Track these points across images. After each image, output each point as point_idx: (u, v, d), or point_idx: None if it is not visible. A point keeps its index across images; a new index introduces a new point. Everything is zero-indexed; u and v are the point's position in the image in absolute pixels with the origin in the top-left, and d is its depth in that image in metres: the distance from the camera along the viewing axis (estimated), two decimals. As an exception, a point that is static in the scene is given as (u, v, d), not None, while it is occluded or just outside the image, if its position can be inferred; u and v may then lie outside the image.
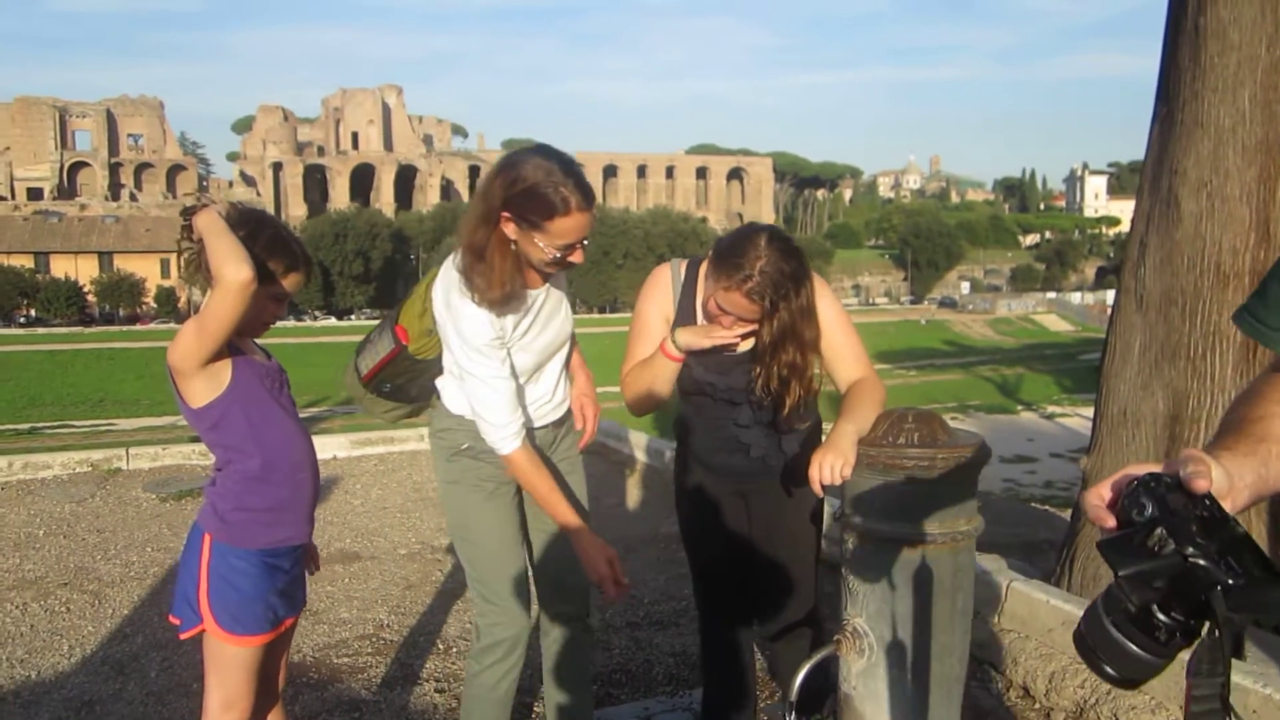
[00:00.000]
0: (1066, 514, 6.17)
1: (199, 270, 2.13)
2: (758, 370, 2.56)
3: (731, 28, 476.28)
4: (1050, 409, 38.54)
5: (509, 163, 2.29)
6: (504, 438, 2.37)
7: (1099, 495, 1.01)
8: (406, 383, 2.58)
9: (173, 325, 60.21)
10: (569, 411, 2.69)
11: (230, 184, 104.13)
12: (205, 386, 2.18)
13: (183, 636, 2.30)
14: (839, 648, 2.31)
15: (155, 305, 72.66)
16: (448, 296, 2.35)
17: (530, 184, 2.22)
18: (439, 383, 2.58)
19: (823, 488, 2.33)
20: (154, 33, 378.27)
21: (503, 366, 2.36)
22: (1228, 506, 1.01)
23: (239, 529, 2.25)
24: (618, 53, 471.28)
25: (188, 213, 2.19)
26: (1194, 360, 3.50)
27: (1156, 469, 0.98)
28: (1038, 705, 3.27)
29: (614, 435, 7.63)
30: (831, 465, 2.25)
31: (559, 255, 2.29)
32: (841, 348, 2.60)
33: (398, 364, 2.52)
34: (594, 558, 2.42)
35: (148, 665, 3.84)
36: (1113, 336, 3.79)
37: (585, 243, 2.33)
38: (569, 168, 2.27)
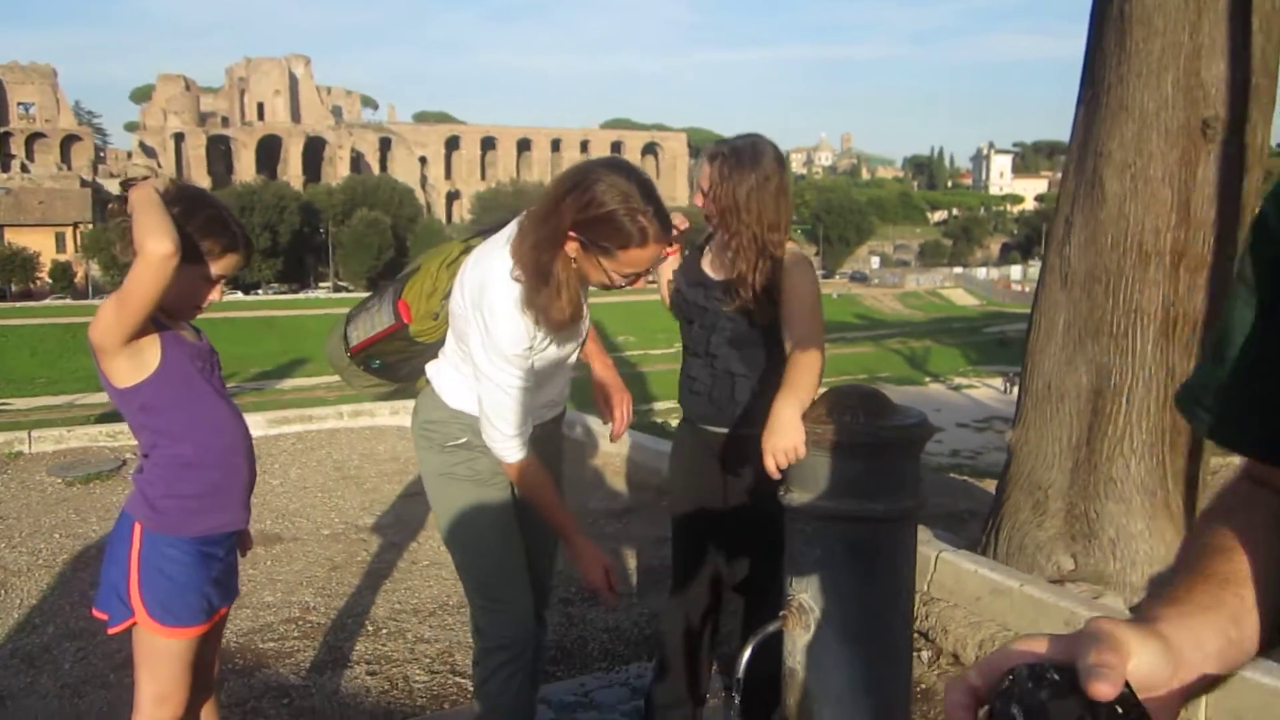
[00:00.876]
0: (983, 484, 6.33)
1: (128, 244, 2.02)
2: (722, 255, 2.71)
3: (652, 2, 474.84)
4: (957, 380, 39.52)
5: (580, 180, 2.09)
6: (512, 447, 2.26)
7: (964, 690, 0.66)
8: (398, 362, 2.45)
9: (69, 301, 58.03)
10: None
11: (129, 155, 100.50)
12: (130, 366, 2.08)
13: (112, 631, 2.20)
14: (784, 623, 2.32)
15: (50, 281, 69.85)
16: (488, 297, 2.15)
17: (606, 211, 2.05)
18: (433, 369, 2.43)
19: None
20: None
21: (526, 377, 2.23)
22: (1172, 692, 0.68)
23: (171, 516, 2.16)
24: (540, 27, 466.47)
25: (126, 185, 2.09)
26: (1116, 337, 3.59)
27: (1043, 652, 0.65)
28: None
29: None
30: (785, 451, 2.28)
31: (623, 283, 2.18)
32: (794, 314, 2.63)
33: (393, 341, 2.38)
34: (591, 565, 2.36)
35: (60, 656, 3.69)
36: (1037, 313, 3.86)
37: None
38: (648, 191, 2.11)
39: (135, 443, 2.25)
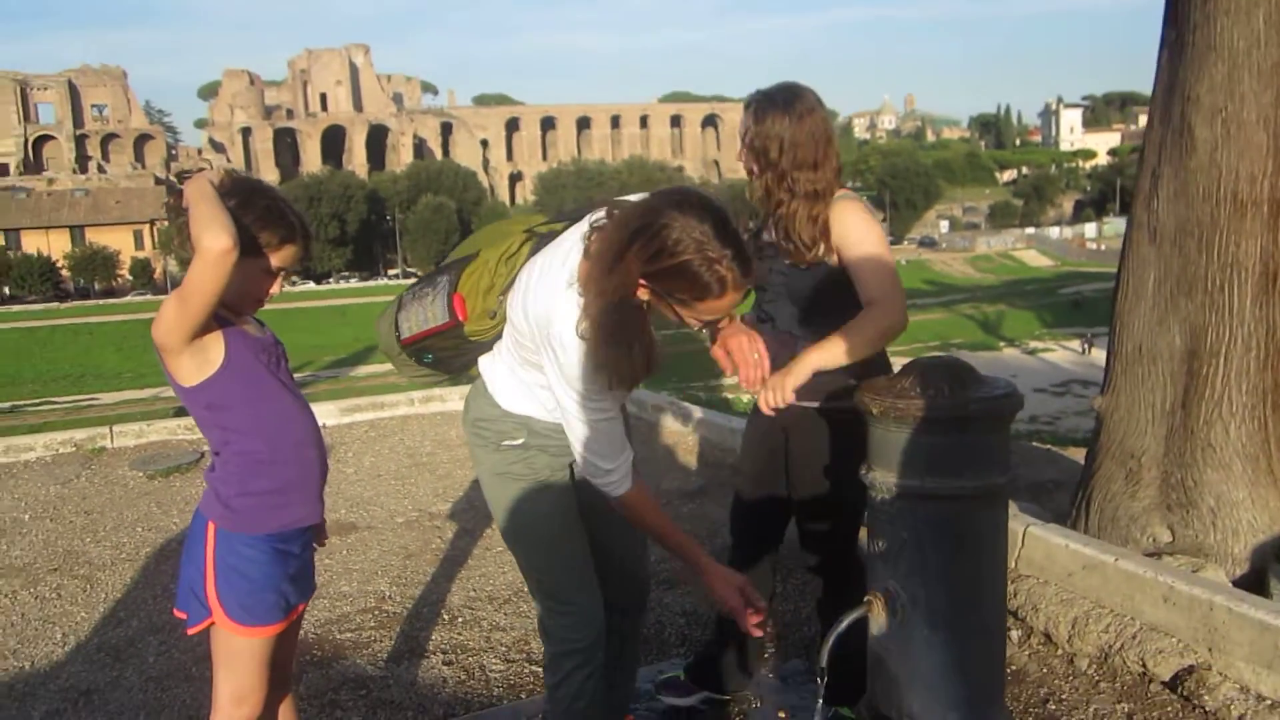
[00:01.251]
0: (1067, 452, 6.12)
1: (186, 239, 1.98)
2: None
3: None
4: (1032, 344, 38.72)
5: (648, 223, 1.84)
6: (615, 481, 2.10)
7: None
8: (452, 356, 2.30)
9: (150, 297, 59.62)
10: None
11: (199, 151, 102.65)
12: (195, 364, 2.05)
13: (191, 632, 2.19)
14: (869, 609, 2.22)
15: (131, 277, 71.86)
16: (556, 331, 1.97)
17: (681, 261, 1.83)
18: (486, 365, 2.29)
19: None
20: (113, 0, 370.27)
21: (611, 405, 2.05)
22: None
23: (245, 515, 2.13)
24: (587, 4, 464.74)
25: (182, 177, 2.05)
26: (1211, 293, 3.39)
27: None
28: (1060, 652, 3.21)
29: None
30: (774, 389, 2.29)
31: (698, 327, 2.02)
32: (856, 265, 2.56)
33: (447, 338, 2.23)
34: (724, 590, 2.19)
35: (145, 650, 3.73)
36: (1125, 272, 3.68)
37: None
38: (725, 230, 1.85)
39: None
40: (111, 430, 7.19)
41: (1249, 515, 3.39)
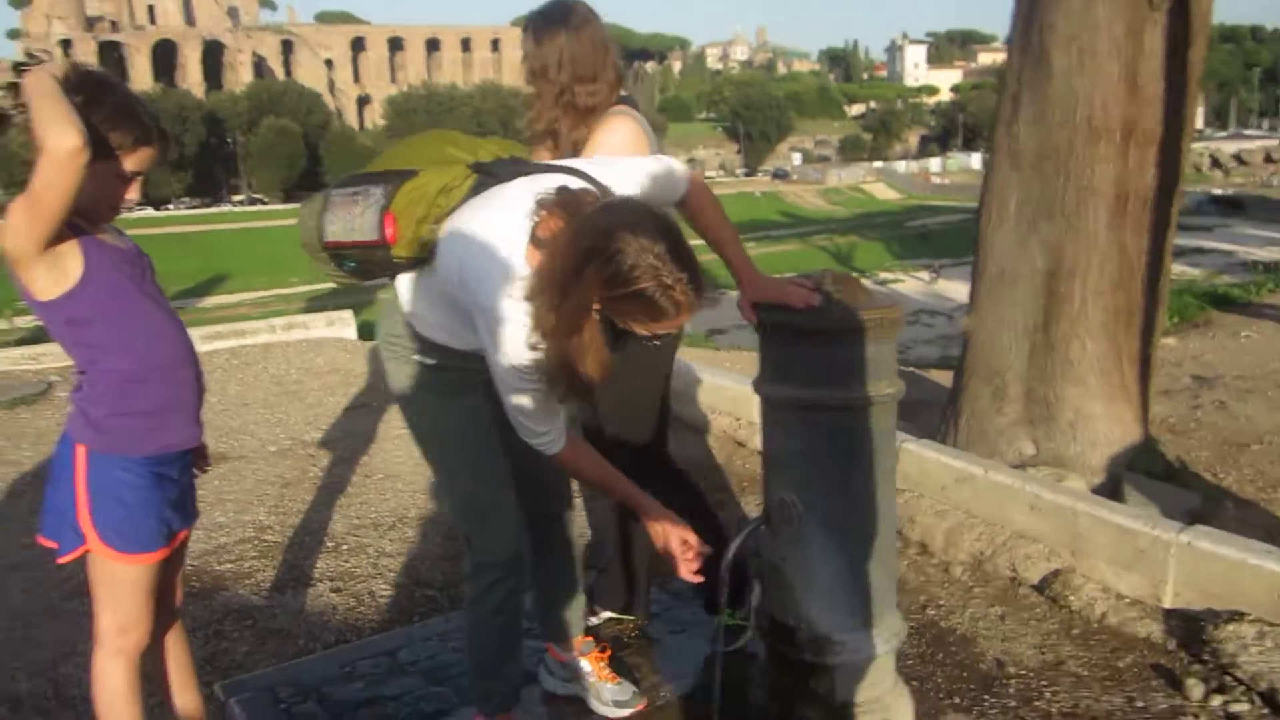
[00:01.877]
0: (929, 374, 6.42)
1: (31, 139, 1.81)
2: None
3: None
4: (883, 275, 39.98)
5: (602, 246, 1.80)
6: (549, 441, 2.09)
7: None
8: (373, 269, 2.19)
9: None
10: None
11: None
12: (51, 276, 1.91)
13: (62, 561, 2.07)
14: (766, 519, 2.30)
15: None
16: (493, 291, 1.94)
17: (637, 289, 1.80)
18: (404, 288, 2.22)
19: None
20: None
21: (541, 380, 1.99)
22: None
23: (119, 436, 2.02)
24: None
25: (19, 69, 1.88)
26: (1069, 217, 3.59)
27: None
28: (935, 560, 3.40)
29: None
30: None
31: (649, 337, 1.98)
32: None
33: (372, 253, 2.12)
34: (662, 537, 2.17)
35: (9, 588, 3.57)
36: (988, 195, 3.85)
37: None
38: (679, 250, 1.82)
39: (61, 365, 2.09)
40: (-53, 361, 6.73)
41: (1105, 428, 3.64)
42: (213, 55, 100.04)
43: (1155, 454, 3.70)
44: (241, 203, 71.20)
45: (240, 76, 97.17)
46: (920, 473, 3.58)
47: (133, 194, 2.04)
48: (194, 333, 7.25)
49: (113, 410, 2.03)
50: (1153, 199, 3.56)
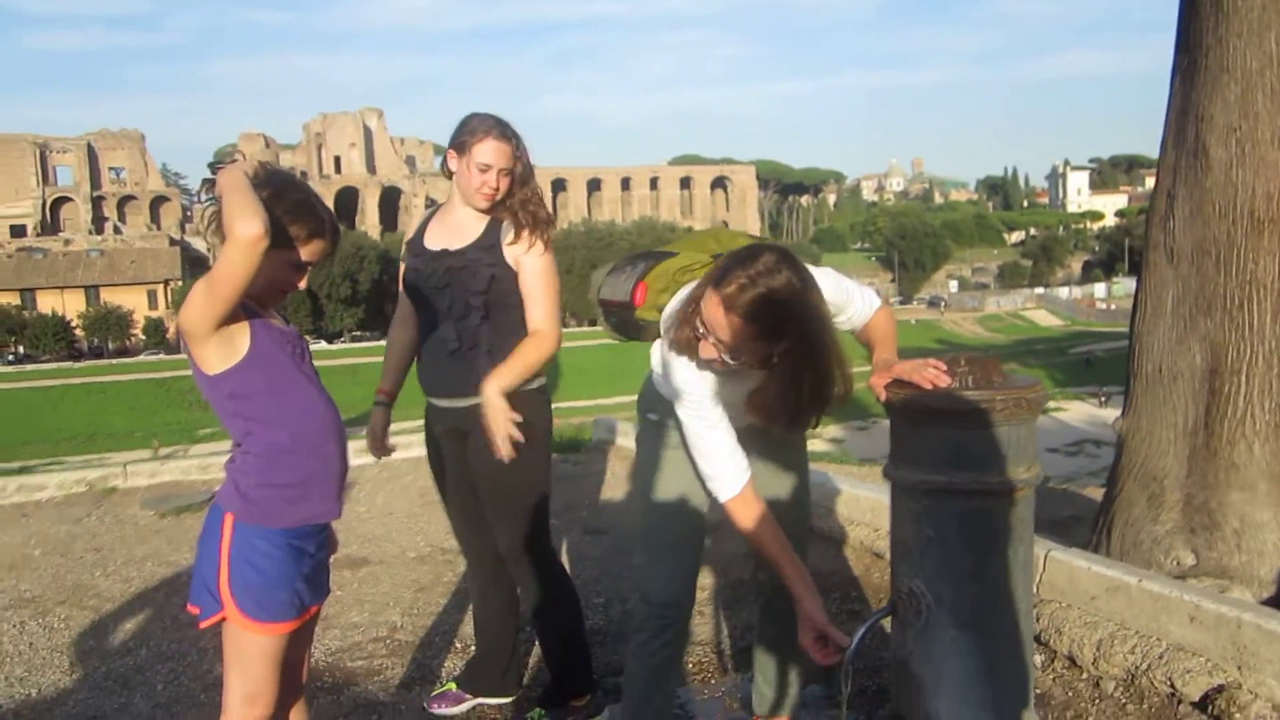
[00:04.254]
0: (1085, 491, 6.06)
1: (218, 230, 1.99)
2: None
3: (708, 40, 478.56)
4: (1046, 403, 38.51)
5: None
6: (720, 486, 2.32)
7: None
8: (627, 327, 2.60)
9: (163, 356, 59.90)
10: None
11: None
12: (221, 352, 2.05)
13: (202, 626, 2.15)
14: (894, 611, 2.17)
15: (144, 337, 72.21)
16: (663, 348, 2.34)
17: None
18: (654, 350, 2.52)
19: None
20: (133, 66, 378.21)
21: (716, 415, 2.31)
22: None
23: (263, 507, 2.11)
24: (596, 69, 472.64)
25: (215, 168, 2.07)
26: (1230, 311, 3.38)
27: None
28: (1085, 675, 3.14)
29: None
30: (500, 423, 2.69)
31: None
32: (527, 293, 2.90)
33: (624, 311, 2.54)
34: (806, 629, 2.26)
35: (153, 678, 3.68)
36: (1143, 292, 3.67)
37: None
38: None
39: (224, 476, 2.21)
40: (125, 469, 7.17)
41: (1274, 537, 3.34)
42: (390, 200, 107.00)
43: (1334, 567, 3.35)
44: (409, 336, 74.48)
45: (414, 219, 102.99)
46: (1068, 582, 3.33)
47: (302, 283, 2.20)
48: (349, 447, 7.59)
49: (260, 480, 2.13)
50: (1322, 290, 3.31)
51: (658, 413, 2.54)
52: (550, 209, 3.01)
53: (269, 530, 2.11)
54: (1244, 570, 3.34)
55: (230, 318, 2.03)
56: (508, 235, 2.89)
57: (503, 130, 2.84)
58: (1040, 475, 2.12)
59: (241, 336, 2.06)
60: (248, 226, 1.89)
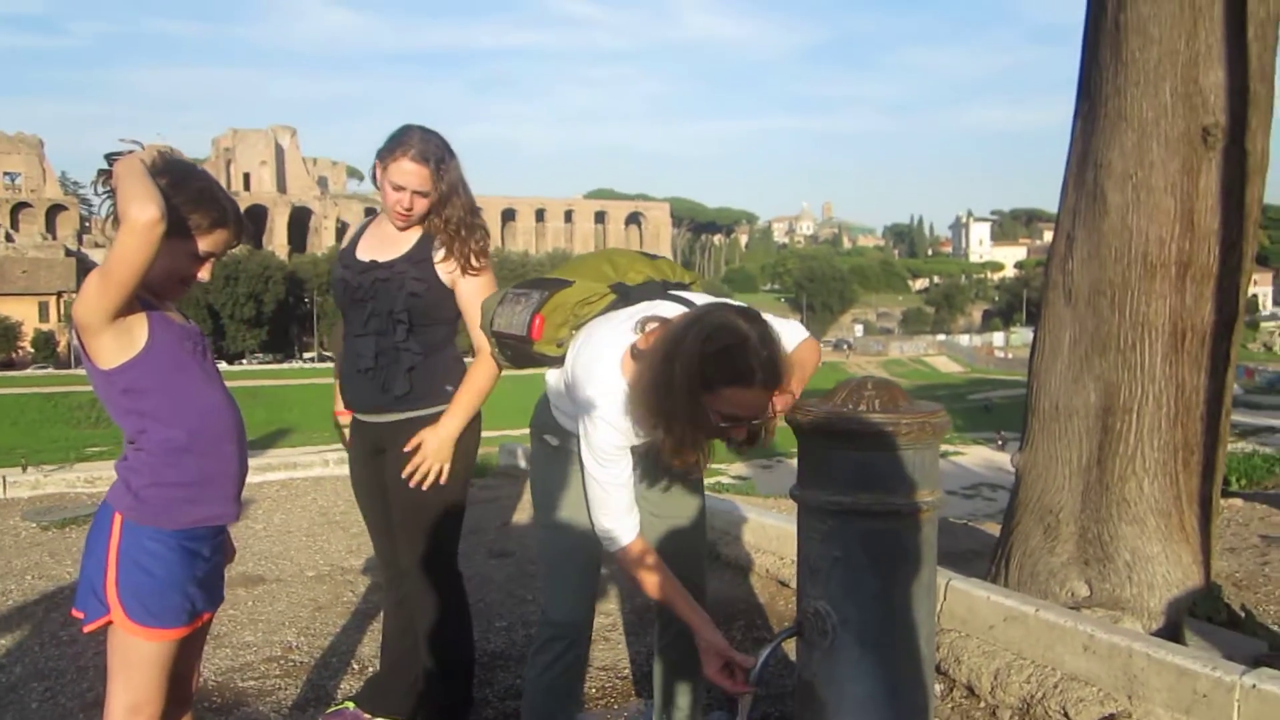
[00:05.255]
0: (984, 526, 6.20)
1: (116, 222, 1.92)
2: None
3: (632, 76, 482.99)
4: (943, 448, 39.41)
5: (684, 330, 2.10)
6: (612, 539, 2.33)
7: None
8: (521, 358, 2.55)
9: (52, 371, 57.60)
10: None
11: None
12: (117, 345, 1.97)
13: (87, 630, 2.05)
14: (801, 631, 2.18)
15: (33, 350, 69.40)
16: (590, 391, 2.26)
17: (722, 345, 2.08)
18: (550, 375, 2.50)
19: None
20: (34, 70, 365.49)
21: (623, 473, 2.29)
22: None
23: (155, 507, 2.02)
24: (518, 98, 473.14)
25: (111, 158, 1.99)
26: (1124, 352, 3.50)
27: None
28: (983, 704, 3.19)
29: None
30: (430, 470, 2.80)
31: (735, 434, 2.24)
32: (467, 315, 2.90)
33: (522, 345, 2.49)
34: (706, 658, 2.25)
35: (27, 696, 3.50)
36: (1041, 332, 3.79)
37: None
38: (764, 330, 2.15)
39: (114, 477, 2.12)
40: (4, 479, 6.85)
41: (1163, 570, 3.45)
42: (300, 220, 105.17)
43: (1218, 600, 3.48)
44: (311, 359, 73.17)
45: (324, 240, 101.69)
46: (967, 611, 3.40)
47: (204, 274, 2.13)
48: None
49: (153, 480, 2.04)
50: (1210, 334, 3.46)
51: (557, 437, 2.52)
52: (485, 225, 2.96)
53: (161, 531, 2.02)
54: (1135, 601, 3.45)
55: (127, 309, 1.95)
56: (439, 252, 2.85)
57: (421, 152, 2.78)
58: (943, 499, 2.16)
59: (139, 329, 1.99)
60: (142, 210, 1.82)
